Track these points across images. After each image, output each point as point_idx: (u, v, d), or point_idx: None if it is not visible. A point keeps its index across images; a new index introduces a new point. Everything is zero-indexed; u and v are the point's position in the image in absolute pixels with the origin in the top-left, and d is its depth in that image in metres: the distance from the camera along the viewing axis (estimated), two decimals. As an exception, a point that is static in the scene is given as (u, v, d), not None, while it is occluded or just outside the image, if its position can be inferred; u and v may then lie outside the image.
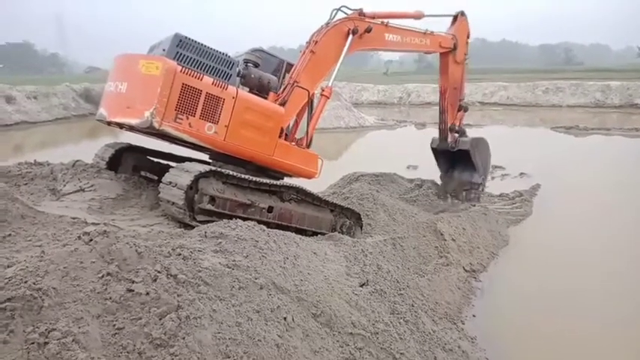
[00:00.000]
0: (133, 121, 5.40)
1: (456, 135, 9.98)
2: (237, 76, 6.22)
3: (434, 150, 10.35)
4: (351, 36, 7.26)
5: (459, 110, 10.08)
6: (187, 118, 5.46)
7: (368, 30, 7.52)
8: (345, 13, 7.42)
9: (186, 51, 5.66)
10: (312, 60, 6.92)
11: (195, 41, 5.78)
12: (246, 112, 5.91)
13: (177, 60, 5.50)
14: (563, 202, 11.50)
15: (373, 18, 7.75)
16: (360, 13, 7.56)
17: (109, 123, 6.05)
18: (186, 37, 5.71)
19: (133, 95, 5.51)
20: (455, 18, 9.70)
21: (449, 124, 9.88)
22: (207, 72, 5.72)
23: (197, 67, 5.66)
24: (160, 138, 6.02)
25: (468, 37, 9.84)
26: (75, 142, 22.78)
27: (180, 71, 5.36)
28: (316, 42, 7.02)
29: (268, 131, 6.15)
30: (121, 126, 6.03)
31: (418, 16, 8.87)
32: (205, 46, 5.84)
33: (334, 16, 7.34)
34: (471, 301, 6.66)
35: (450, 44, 9.36)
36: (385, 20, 7.93)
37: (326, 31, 7.11)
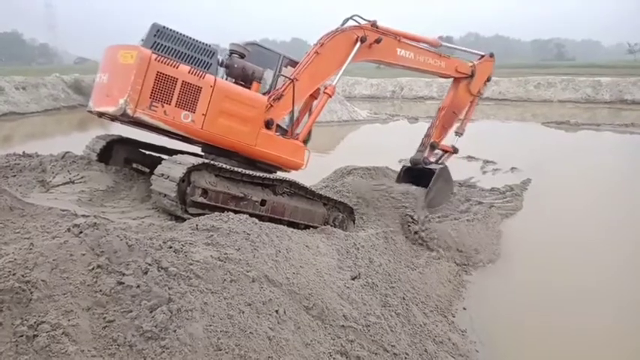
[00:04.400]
0: (110, 109, 5.46)
1: (434, 155, 9.42)
2: (221, 66, 6.20)
3: (403, 168, 9.48)
4: (358, 44, 7.20)
5: (449, 151, 9.54)
6: (162, 105, 5.48)
7: (378, 41, 7.43)
8: (357, 23, 7.39)
9: (164, 40, 5.64)
10: (315, 61, 6.91)
11: (174, 31, 5.76)
12: (225, 101, 5.89)
13: (155, 49, 5.50)
14: (553, 197, 11.62)
15: (386, 32, 7.61)
16: (373, 25, 7.48)
17: (100, 114, 6.01)
18: (164, 27, 5.71)
19: (112, 84, 5.58)
20: (482, 57, 9.36)
21: (432, 141, 9.31)
22: (186, 61, 5.71)
23: (176, 57, 5.65)
24: (138, 126, 6.00)
25: (488, 79, 9.55)
26: (65, 134, 22.51)
27: (155, 59, 5.38)
28: (322, 44, 7.01)
29: (249, 120, 6.12)
30: (112, 118, 5.98)
31: (435, 44, 8.55)
32: (184, 35, 5.83)
33: (345, 23, 7.33)
34: (461, 294, 6.72)
35: (466, 71, 9.05)
36: (398, 36, 7.79)
37: (334, 36, 7.10)
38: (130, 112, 5.28)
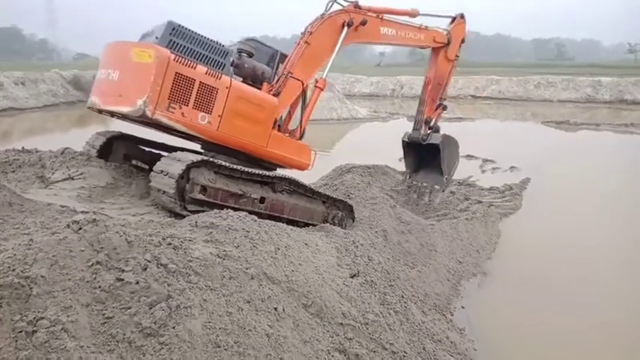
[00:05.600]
0: (125, 110, 5.34)
1: (429, 130, 9.84)
2: (231, 65, 6.17)
3: (404, 143, 10.04)
4: (346, 28, 7.22)
5: (437, 107, 10.03)
6: (180, 107, 5.41)
7: (363, 23, 7.50)
8: (341, 5, 7.39)
9: (179, 39, 5.57)
10: (306, 51, 6.87)
11: (189, 29, 5.68)
12: (240, 103, 5.87)
13: (171, 48, 5.42)
14: (552, 196, 11.64)
15: (369, 11, 7.73)
16: (356, 6, 7.52)
17: (100, 111, 5.97)
18: (179, 25, 5.62)
19: (126, 83, 5.44)
20: (454, 19, 9.75)
21: (425, 117, 9.86)
22: (200, 61, 5.64)
23: (190, 56, 5.58)
24: (152, 127, 5.96)
25: (462, 41, 9.90)
26: (64, 130, 22.48)
27: (174, 60, 5.29)
28: (311, 33, 6.97)
29: (262, 122, 6.12)
30: (112, 114, 5.95)
31: (414, 14, 8.92)
32: (199, 34, 5.75)
33: (329, 8, 7.30)
34: (460, 292, 6.74)
35: (443, 40, 9.47)
36: (380, 14, 7.96)
37: (321, 23, 7.07)
38: (149, 113, 5.17)
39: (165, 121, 5.35)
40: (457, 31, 9.71)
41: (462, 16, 9.79)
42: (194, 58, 5.60)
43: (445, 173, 9.67)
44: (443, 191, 9.84)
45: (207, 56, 5.75)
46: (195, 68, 5.47)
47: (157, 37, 5.53)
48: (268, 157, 6.41)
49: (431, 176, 9.85)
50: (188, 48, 5.61)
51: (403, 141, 10.03)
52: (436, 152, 9.54)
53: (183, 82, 5.38)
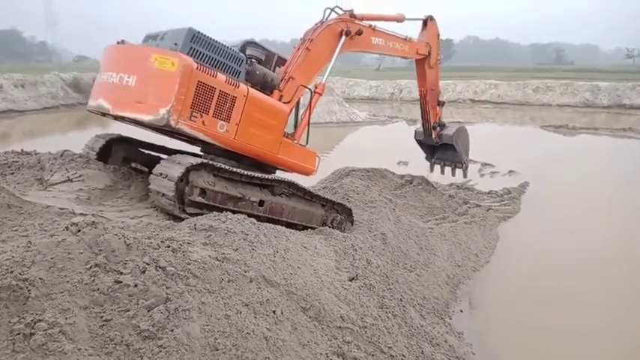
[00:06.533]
0: (147, 118, 5.23)
1: (438, 129, 10.71)
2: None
3: (418, 141, 11.14)
4: (343, 37, 7.41)
5: (440, 108, 10.73)
6: (201, 116, 5.37)
7: (359, 32, 7.73)
8: (337, 14, 7.57)
9: (199, 46, 5.52)
10: (307, 57, 6.98)
11: (208, 36, 5.65)
12: (256, 111, 5.88)
13: (191, 56, 5.37)
14: (550, 200, 11.65)
15: (362, 20, 7.95)
16: (352, 15, 7.73)
17: (104, 114, 5.92)
18: (199, 32, 5.57)
19: (145, 90, 5.31)
20: (425, 23, 10.07)
21: (432, 123, 10.56)
22: (217, 68, 5.62)
23: (208, 63, 5.55)
24: (167, 134, 5.92)
25: (438, 38, 10.25)
26: (63, 132, 22.48)
27: (197, 68, 5.24)
28: (311, 40, 7.09)
29: (274, 129, 6.17)
30: (115, 117, 5.91)
31: (400, 19, 9.28)
32: (216, 41, 5.72)
33: (328, 16, 7.45)
34: (458, 296, 6.73)
35: (425, 51, 9.81)
36: (373, 24, 8.18)
37: (321, 30, 7.22)
38: (172, 123, 5.11)
39: (187, 130, 5.31)
40: (432, 34, 10.02)
41: (432, 18, 10.14)
42: (212, 65, 5.57)
43: (464, 158, 10.84)
44: (467, 168, 11.09)
45: (223, 63, 5.72)
46: (215, 77, 5.44)
47: (175, 44, 5.46)
48: (278, 163, 6.48)
49: (450, 153, 10.93)
50: (206, 55, 5.57)
51: (417, 140, 11.00)
52: (451, 145, 10.57)
53: (205, 90, 5.34)
